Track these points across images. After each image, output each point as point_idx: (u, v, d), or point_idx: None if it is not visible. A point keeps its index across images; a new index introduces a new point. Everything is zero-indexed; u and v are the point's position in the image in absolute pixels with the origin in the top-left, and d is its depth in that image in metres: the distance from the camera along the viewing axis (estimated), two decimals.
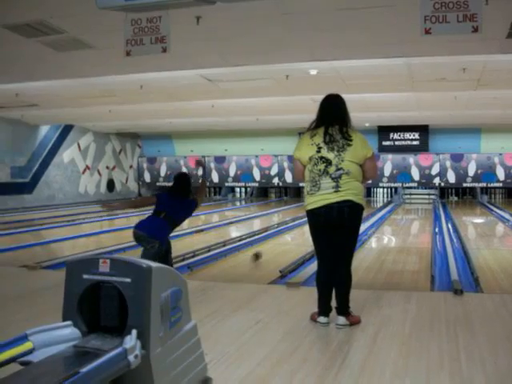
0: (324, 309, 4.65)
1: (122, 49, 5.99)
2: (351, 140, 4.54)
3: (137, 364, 2.26)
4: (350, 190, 4.50)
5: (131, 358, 2.22)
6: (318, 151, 4.52)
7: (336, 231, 4.56)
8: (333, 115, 4.63)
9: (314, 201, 4.53)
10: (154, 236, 5.70)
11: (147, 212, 6.15)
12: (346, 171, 4.49)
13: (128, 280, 2.35)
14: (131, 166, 25.57)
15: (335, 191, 4.46)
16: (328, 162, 4.49)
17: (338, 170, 4.48)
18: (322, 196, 4.49)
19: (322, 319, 4.63)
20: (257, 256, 8.27)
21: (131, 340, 2.25)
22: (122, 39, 5.97)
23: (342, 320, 4.60)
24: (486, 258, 8.35)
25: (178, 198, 6.00)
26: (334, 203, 4.45)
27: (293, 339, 4.26)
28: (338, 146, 4.51)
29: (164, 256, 5.75)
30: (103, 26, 6.86)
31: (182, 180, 6.23)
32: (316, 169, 4.52)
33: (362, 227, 11.85)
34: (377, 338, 4.29)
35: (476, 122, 19.69)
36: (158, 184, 25.81)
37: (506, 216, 15.57)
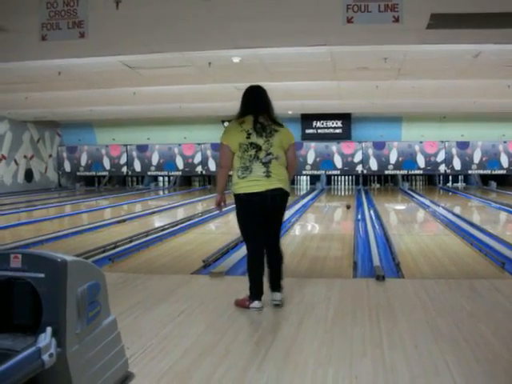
0: (259, 293, 4.74)
1: (37, 33, 5.76)
2: (280, 127, 4.73)
3: (52, 363, 2.16)
4: (280, 177, 4.67)
5: (45, 357, 2.12)
6: (248, 137, 4.62)
7: (266, 216, 4.72)
8: (260, 105, 4.76)
9: (246, 185, 4.61)
10: None
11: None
12: (276, 156, 4.65)
13: (41, 275, 2.24)
14: (50, 156, 24.82)
15: (266, 176, 4.59)
16: (258, 148, 4.61)
17: (268, 154, 4.62)
18: (255, 181, 4.59)
19: (257, 304, 4.71)
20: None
21: (45, 338, 2.15)
22: (38, 23, 5.74)
23: (279, 296, 4.81)
24: (407, 244, 8.53)
25: None
26: (266, 191, 4.59)
27: (216, 330, 4.22)
28: (266, 132, 4.65)
29: None
30: (17, 9, 6.58)
31: None
32: (247, 155, 4.61)
33: (286, 214, 11.98)
34: (300, 326, 4.30)
35: (397, 110, 20.18)
36: (78, 174, 25.22)
37: (426, 202, 16.01)
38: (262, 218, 4.71)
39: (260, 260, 4.77)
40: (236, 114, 4.83)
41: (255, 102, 4.76)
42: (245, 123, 4.67)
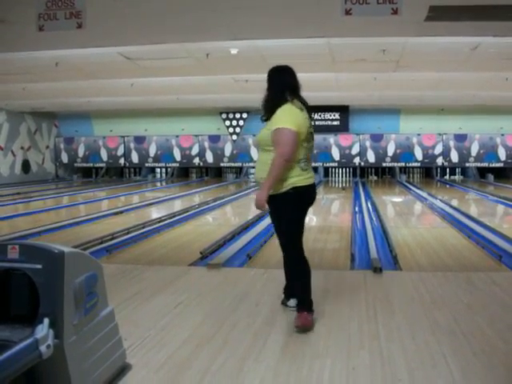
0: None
1: (34, 23, 5.74)
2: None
3: (49, 354, 2.16)
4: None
5: (43, 348, 2.12)
6: (310, 126, 4.24)
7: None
8: (296, 87, 4.26)
9: (309, 176, 4.30)
10: None
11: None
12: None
13: (39, 266, 2.24)
14: (47, 147, 24.73)
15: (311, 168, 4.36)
16: (312, 137, 4.31)
17: (312, 145, 4.38)
18: (312, 173, 4.36)
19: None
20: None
21: (43, 329, 2.15)
22: (35, 13, 5.72)
23: (294, 302, 4.42)
24: (405, 236, 8.53)
25: None
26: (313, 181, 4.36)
27: (213, 321, 4.22)
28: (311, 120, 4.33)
29: None
30: None
31: None
32: (309, 145, 4.27)
33: None
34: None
35: (395, 103, 20.15)
36: (75, 165, 25.17)
37: (424, 195, 16.01)
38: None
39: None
40: (267, 96, 4.24)
41: (296, 85, 4.24)
42: (304, 110, 4.15)
